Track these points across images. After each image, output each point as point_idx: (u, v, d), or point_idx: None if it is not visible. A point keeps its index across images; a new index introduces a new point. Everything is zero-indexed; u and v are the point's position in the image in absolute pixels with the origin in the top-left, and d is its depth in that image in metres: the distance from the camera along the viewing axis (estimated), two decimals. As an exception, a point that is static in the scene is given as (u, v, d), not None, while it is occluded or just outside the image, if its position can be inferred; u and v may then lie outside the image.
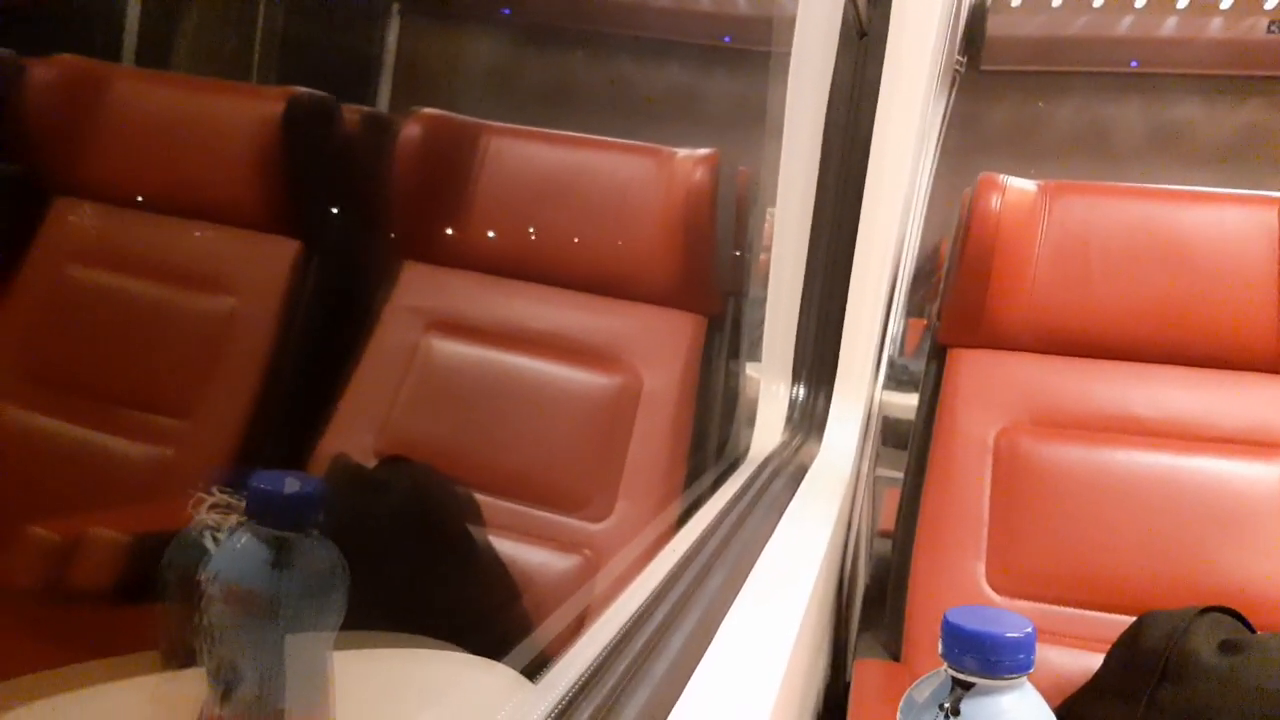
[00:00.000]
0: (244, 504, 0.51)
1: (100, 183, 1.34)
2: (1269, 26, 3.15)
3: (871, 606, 1.44)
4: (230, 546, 0.49)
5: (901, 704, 0.44)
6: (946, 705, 0.42)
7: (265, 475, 0.49)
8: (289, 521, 0.48)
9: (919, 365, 1.38)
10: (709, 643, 0.59)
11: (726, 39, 3.14)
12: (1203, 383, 1.20)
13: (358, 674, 0.56)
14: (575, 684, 0.49)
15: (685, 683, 0.53)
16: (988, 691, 0.42)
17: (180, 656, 0.54)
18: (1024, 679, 0.42)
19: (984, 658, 0.41)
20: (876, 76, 1.17)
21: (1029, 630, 0.42)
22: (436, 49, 2.85)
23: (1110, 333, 1.21)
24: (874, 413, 1.53)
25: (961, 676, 0.42)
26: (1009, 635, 0.41)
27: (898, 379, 2.24)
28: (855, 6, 1.12)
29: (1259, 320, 1.19)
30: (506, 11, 3.04)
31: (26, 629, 0.85)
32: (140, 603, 0.73)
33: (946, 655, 0.43)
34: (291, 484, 0.48)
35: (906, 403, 1.49)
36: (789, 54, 1.21)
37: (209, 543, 0.54)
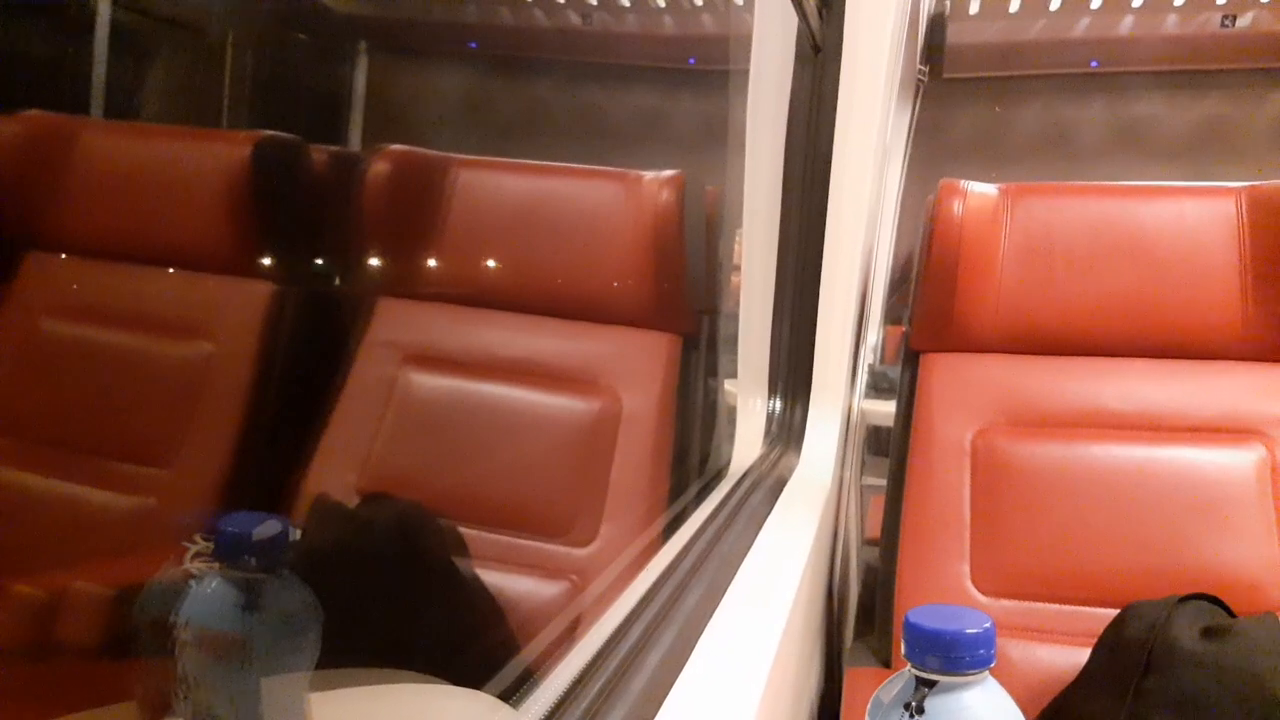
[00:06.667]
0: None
1: (72, 235, 1.34)
2: (1222, 21, 3.21)
3: (865, 615, 1.44)
4: (200, 592, 0.50)
5: (869, 706, 0.45)
6: (912, 704, 0.42)
7: (232, 518, 0.49)
8: (257, 563, 0.49)
9: (899, 372, 1.39)
10: (687, 658, 0.59)
11: (691, 60, 3.18)
12: (1172, 373, 1.21)
13: (337, 711, 0.56)
14: (550, 706, 0.50)
15: (662, 699, 0.54)
16: (951, 688, 0.42)
17: (158, 705, 0.54)
18: (986, 674, 0.43)
19: (944, 655, 0.42)
20: (833, 90, 1.19)
21: (988, 626, 0.42)
22: (406, 85, 2.87)
23: (1078, 329, 1.23)
24: (854, 422, 1.54)
25: (924, 675, 0.43)
26: (968, 632, 0.42)
27: (878, 386, 2.26)
28: (808, 23, 1.14)
29: (1224, 309, 1.20)
30: (473, 45, 3.07)
31: (7, 688, 0.85)
32: (122, 655, 0.73)
33: (909, 655, 0.43)
34: (258, 525, 0.49)
35: (889, 410, 1.50)
36: (748, 72, 1.23)
37: (181, 589, 0.54)
